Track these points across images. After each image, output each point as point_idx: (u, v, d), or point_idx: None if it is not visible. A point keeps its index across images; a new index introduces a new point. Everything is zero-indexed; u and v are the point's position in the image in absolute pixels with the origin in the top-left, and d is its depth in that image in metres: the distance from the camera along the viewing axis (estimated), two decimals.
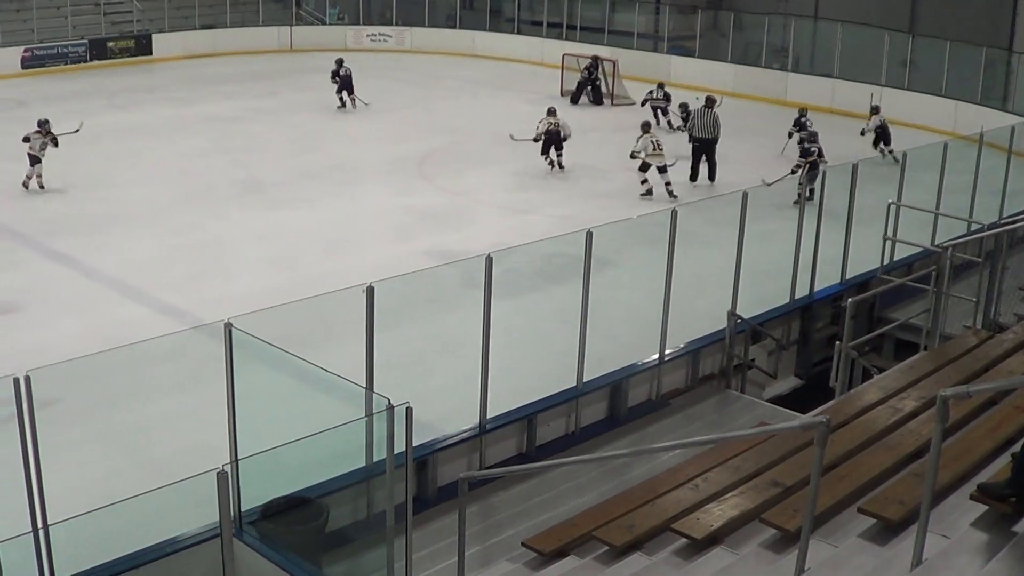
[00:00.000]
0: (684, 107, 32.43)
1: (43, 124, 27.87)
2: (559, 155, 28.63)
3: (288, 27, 50.00)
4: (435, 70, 44.01)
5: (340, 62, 36.52)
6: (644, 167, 26.24)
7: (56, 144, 27.08)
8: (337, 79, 36.37)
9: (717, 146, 27.85)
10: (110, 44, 46.51)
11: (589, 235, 13.47)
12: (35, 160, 27.36)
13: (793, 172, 25.71)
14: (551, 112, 28.96)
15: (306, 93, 39.07)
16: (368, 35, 49.18)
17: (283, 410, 11.92)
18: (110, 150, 30.85)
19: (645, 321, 15.37)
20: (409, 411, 9.13)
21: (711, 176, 27.40)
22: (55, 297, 19.92)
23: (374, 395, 10.30)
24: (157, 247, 22.55)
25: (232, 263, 21.56)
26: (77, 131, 28.27)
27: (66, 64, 44.91)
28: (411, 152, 30.31)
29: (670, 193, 25.78)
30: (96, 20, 47.69)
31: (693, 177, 27.25)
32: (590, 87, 39.19)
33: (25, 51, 43.97)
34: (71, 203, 25.81)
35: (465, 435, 12.98)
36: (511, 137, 29.37)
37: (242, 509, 10.27)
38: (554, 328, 16.27)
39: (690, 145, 28.06)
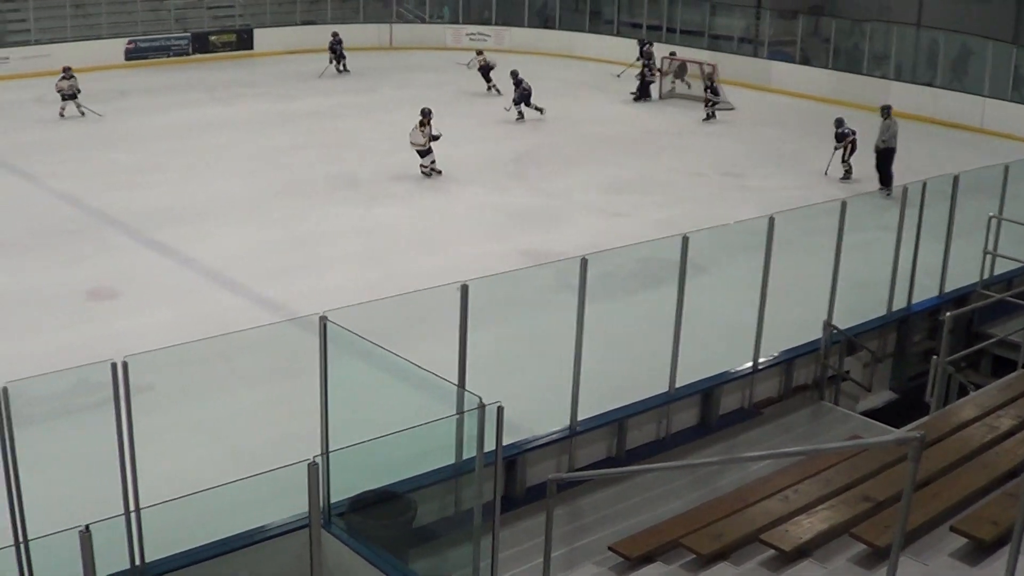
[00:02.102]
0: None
1: (67, 70, 34.23)
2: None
3: (388, 24, 50.18)
4: (532, 70, 43.93)
5: (516, 74, 36.37)
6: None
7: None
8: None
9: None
10: (212, 38, 46.97)
11: (685, 240, 13.40)
12: (69, 97, 33.26)
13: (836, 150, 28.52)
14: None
15: (404, 90, 39.19)
16: (467, 34, 49.20)
17: (374, 404, 11.95)
18: (210, 143, 31.19)
19: (739, 329, 15.25)
20: (500, 410, 9.13)
21: (887, 183, 26.97)
22: (153, 285, 20.18)
23: (466, 393, 10.31)
24: (253, 239, 22.78)
25: (327, 257, 21.69)
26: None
27: (168, 57, 45.39)
28: (507, 152, 30.35)
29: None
30: (199, 14, 48.19)
31: (883, 182, 26.95)
32: (640, 80, 39.09)
33: (129, 43, 44.51)
34: (171, 194, 26.11)
35: (555, 436, 12.96)
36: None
37: (331, 501, 10.33)
38: (647, 332, 16.18)
39: (874, 155, 27.67)
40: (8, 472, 9.47)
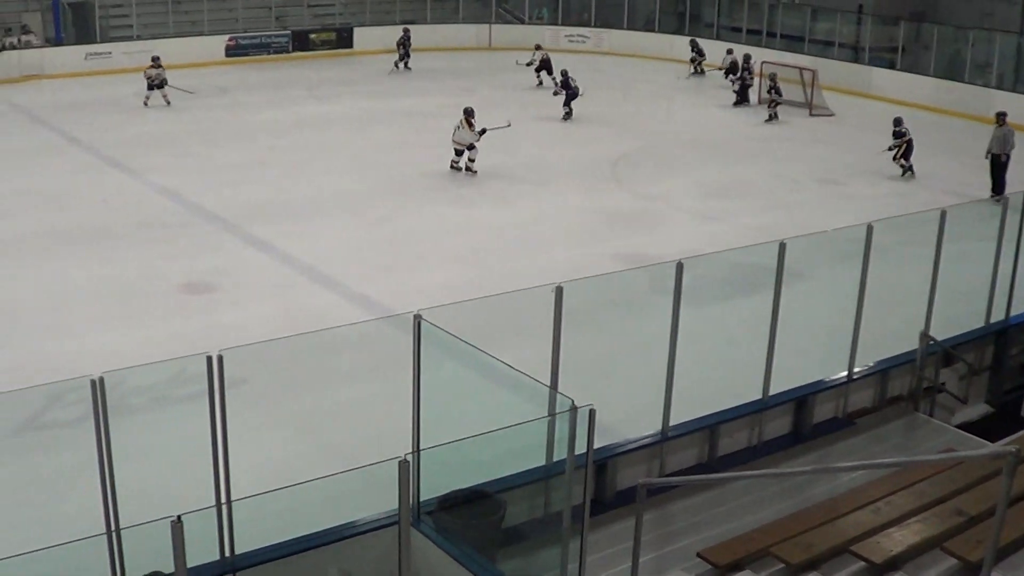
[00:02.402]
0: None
1: (156, 59, 35.59)
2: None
3: (487, 25, 50.32)
4: (631, 73, 43.88)
5: (565, 73, 36.61)
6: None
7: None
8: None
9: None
10: (312, 36, 47.39)
11: (782, 247, 13.30)
12: (156, 86, 34.99)
13: (890, 149, 29.21)
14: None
15: (501, 91, 39.28)
16: (566, 35, 49.20)
17: (465, 404, 11.98)
18: (309, 140, 31.47)
19: (834, 337, 15.10)
20: (592, 413, 9.11)
21: (999, 191, 26.69)
22: (251, 280, 20.40)
23: (558, 395, 10.31)
24: (351, 237, 22.96)
25: (423, 256, 21.78)
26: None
27: (268, 54, 45.86)
28: (604, 154, 30.28)
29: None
30: (299, 12, 48.65)
31: (995, 189, 26.69)
32: (739, 85, 38.92)
33: (230, 40, 45.04)
34: (270, 190, 26.37)
35: (646, 441, 12.92)
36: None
37: (420, 499, 10.36)
38: (741, 338, 16.08)
39: (987, 160, 27.43)
40: (102, 461, 9.58)
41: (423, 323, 10.58)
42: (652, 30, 49.45)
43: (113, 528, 9.72)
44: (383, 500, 10.18)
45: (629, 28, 49.56)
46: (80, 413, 10.36)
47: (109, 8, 44.96)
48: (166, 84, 36.07)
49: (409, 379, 10.89)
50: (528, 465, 11.23)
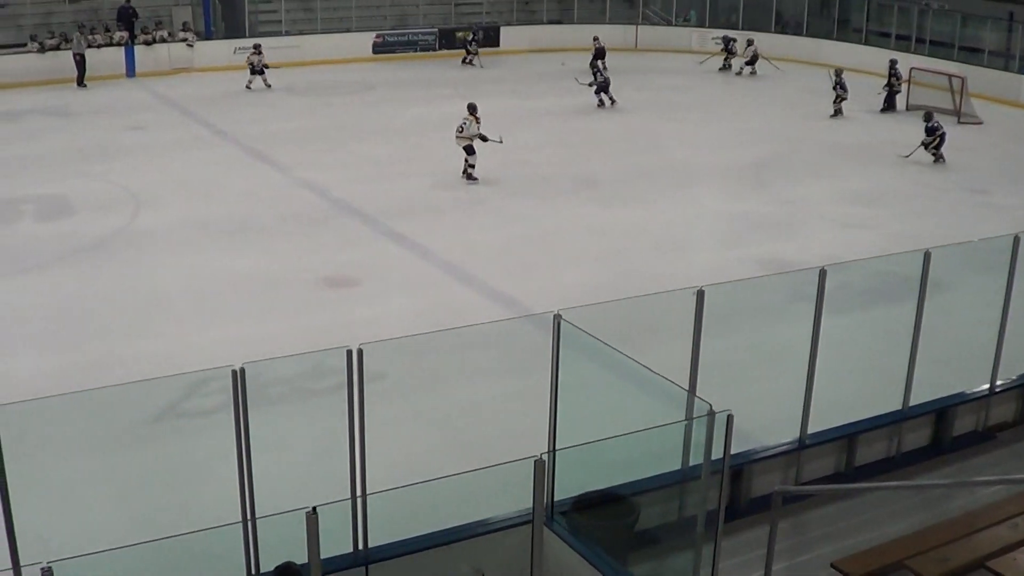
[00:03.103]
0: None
1: (257, 47, 38.04)
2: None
3: (634, 26, 50.16)
4: (777, 76, 43.45)
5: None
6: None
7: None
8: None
9: None
10: (458, 34, 47.57)
11: (927, 256, 13.08)
12: (257, 72, 37.54)
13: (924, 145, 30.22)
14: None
15: (646, 93, 39.18)
16: (713, 38, 48.84)
17: (602, 404, 11.95)
18: (451, 138, 31.60)
19: (976, 349, 14.82)
20: (730, 418, 9.04)
21: None
22: (391, 275, 20.59)
23: (696, 399, 10.24)
24: (492, 235, 23.05)
25: (563, 256, 21.80)
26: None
27: (415, 52, 46.16)
28: (747, 158, 30.04)
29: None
30: (446, 11, 48.94)
31: None
32: (887, 91, 38.32)
33: (377, 37, 45.40)
34: (414, 187, 26.59)
35: (783, 448, 12.79)
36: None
37: (555, 499, 10.36)
38: (881, 348, 15.86)
39: None
40: (240, 450, 9.71)
41: (563, 323, 10.58)
42: (800, 34, 48.85)
43: (249, 517, 9.85)
44: (516, 498, 10.19)
45: (776, 31, 49.03)
46: (220, 402, 10.51)
47: (259, 3, 45.66)
48: (266, 70, 38.62)
49: (545, 378, 10.89)
50: (663, 469, 11.17)
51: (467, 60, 45.19)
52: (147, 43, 42.52)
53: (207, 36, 44.45)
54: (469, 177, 27.31)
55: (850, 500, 12.51)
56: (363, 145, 30.85)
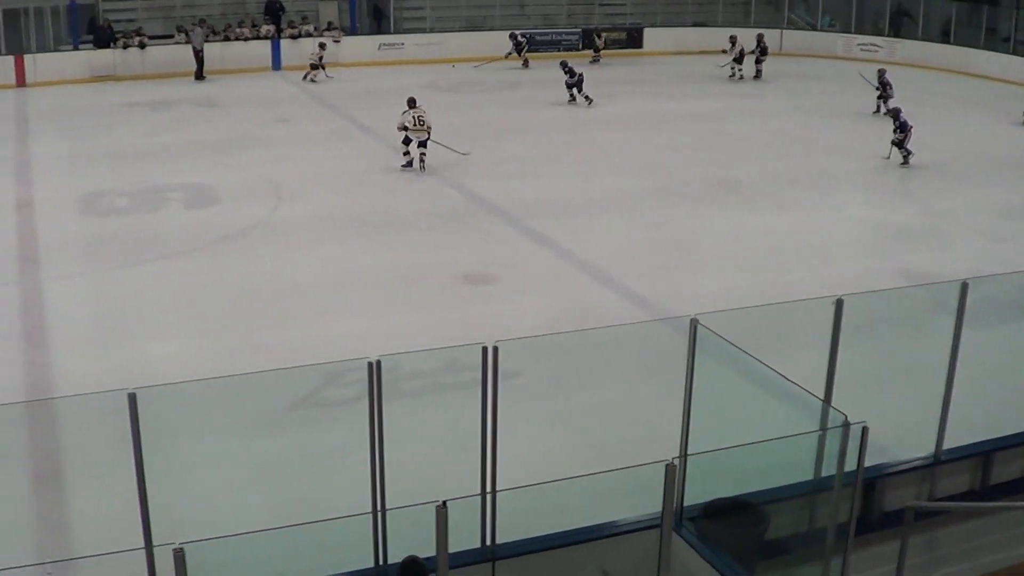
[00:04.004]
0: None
1: (323, 46, 41.01)
2: None
3: (779, 30, 49.72)
4: (923, 84, 42.78)
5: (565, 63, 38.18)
6: (406, 140, 27.81)
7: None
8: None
9: None
10: (603, 35, 47.54)
11: None
12: (316, 67, 40.23)
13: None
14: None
15: (792, 99, 38.85)
16: (858, 44, 48.19)
17: (735, 411, 11.86)
18: (595, 138, 31.71)
19: None
20: (865, 430, 8.93)
21: None
22: (529, 274, 20.63)
23: (831, 410, 10.12)
24: (630, 236, 22.98)
25: (701, 260, 21.67)
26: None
27: (558, 51, 46.18)
28: (890, 166, 29.60)
29: (422, 165, 27.77)
30: (591, 11, 48.96)
31: None
32: None
33: (521, 35, 45.54)
34: (553, 186, 26.63)
35: (917, 463, 12.59)
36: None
37: (684, 504, 10.31)
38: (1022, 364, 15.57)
39: None
40: (373, 441, 9.79)
41: (699, 327, 10.52)
42: (947, 42, 47.96)
43: (379, 508, 9.93)
44: (645, 502, 10.16)
45: (923, 39, 48.20)
46: (355, 393, 10.61)
47: (404, 1, 46.08)
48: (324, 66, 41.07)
49: (678, 382, 10.84)
50: (795, 478, 11.06)
51: (594, 60, 45.56)
52: (293, 37, 43.14)
53: (352, 32, 44.95)
54: (422, 165, 27.98)
55: (984, 519, 12.30)
56: (505, 143, 30.98)
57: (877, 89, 36.03)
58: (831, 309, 11.21)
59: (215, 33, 42.59)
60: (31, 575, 10.54)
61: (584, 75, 37.38)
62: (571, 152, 29.94)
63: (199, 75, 40.73)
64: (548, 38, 46.58)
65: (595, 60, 45.50)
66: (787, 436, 9.73)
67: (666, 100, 38.36)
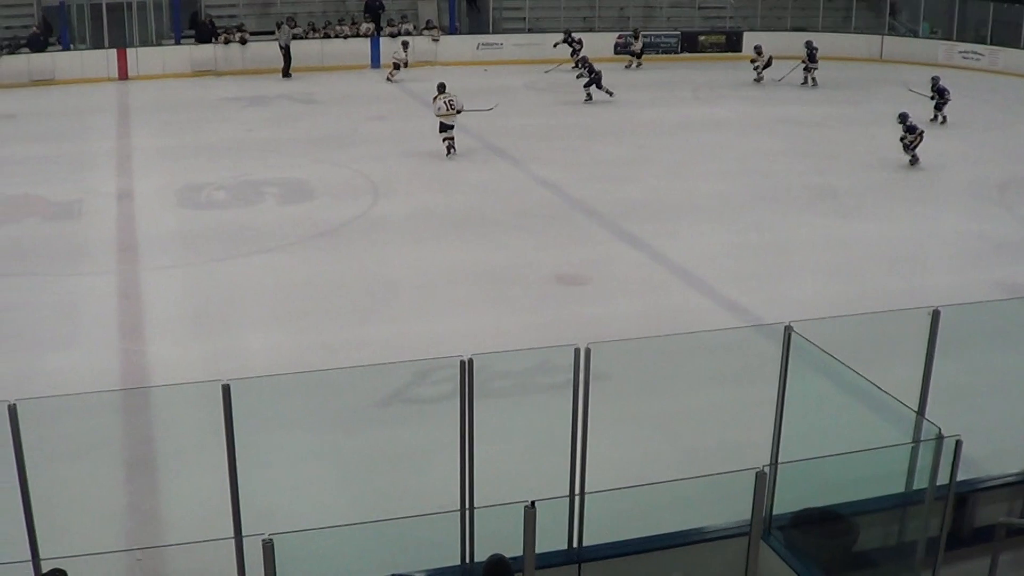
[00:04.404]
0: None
1: (406, 45, 41.35)
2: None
3: (880, 36, 49.26)
4: (1018, 94, 42.16)
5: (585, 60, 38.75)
6: (442, 127, 28.95)
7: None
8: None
9: None
10: (701, 38, 47.51)
11: None
12: (403, 65, 40.95)
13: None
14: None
15: (891, 105, 38.37)
16: (960, 52, 47.62)
17: (826, 420, 11.79)
18: (690, 142, 31.58)
19: None
20: (959, 443, 8.84)
21: None
22: (621, 276, 20.61)
23: (925, 422, 10.02)
24: (725, 241, 22.86)
25: (796, 267, 21.52)
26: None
27: (657, 53, 46.17)
28: (991, 177, 29.20)
29: (451, 150, 29.01)
30: (690, 14, 48.89)
31: None
32: None
33: (619, 37, 45.59)
34: (648, 189, 26.62)
35: (1011, 479, 12.43)
36: None
37: (773, 513, 10.25)
38: None
39: None
40: (464, 440, 9.82)
41: (793, 335, 10.46)
42: None
43: (467, 506, 9.96)
44: (733, 509, 10.11)
45: None
46: (445, 392, 10.68)
47: (503, 0, 46.19)
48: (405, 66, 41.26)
49: (770, 390, 10.78)
50: (886, 490, 10.96)
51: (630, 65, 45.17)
52: (392, 35, 43.38)
53: (451, 31, 45.15)
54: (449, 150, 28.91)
55: None
56: (600, 145, 30.99)
57: (932, 97, 35.40)
58: (927, 320, 11.09)
59: (315, 31, 42.98)
60: (122, 560, 10.72)
61: (602, 72, 37.99)
62: (666, 155, 29.88)
63: (286, 72, 41.12)
64: (647, 40, 46.44)
65: (631, 65, 45.14)
66: (879, 447, 9.65)
67: (762, 104, 38.17)
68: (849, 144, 32.42)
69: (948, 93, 35.25)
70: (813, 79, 41.83)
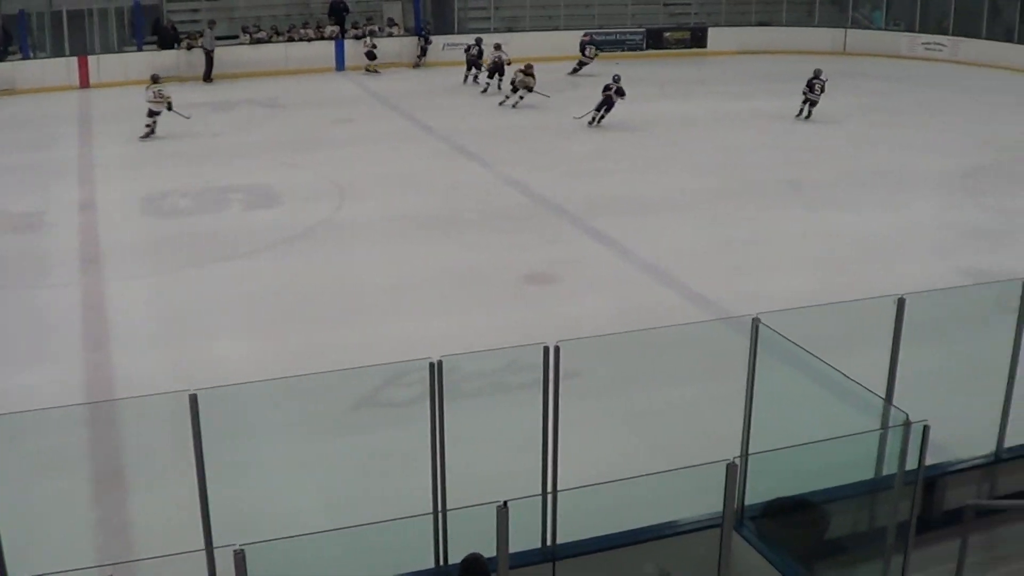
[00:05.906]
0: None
1: (373, 33, 42.75)
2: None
3: (843, 30, 49.46)
4: (986, 84, 42.39)
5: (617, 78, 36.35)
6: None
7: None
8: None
9: None
10: (666, 35, 47.62)
11: None
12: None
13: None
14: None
15: (856, 98, 38.60)
16: (923, 43, 47.83)
17: (795, 410, 11.83)
18: (658, 138, 31.63)
19: None
20: (926, 429, 8.90)
21: None
22: (591, 274, 20.63)
23: (892, 408, 10.08)
24: (694, 236, 22.93)
25: (765, 260, 21.56)
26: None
27: (622, 51, 46.25)
28: (956, 166, 29.35)
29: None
30: (655, 11, 49.00)
31: None
32: None
33: (584, 35, 45.52)
34: (617, 186, 26.65)
35: (978, 462, 12.51)
36: None
37: (745, 504, 10.30)
38: None
39: None
40: (435, 442, 9.83)
41: (760, 327, 10.50)
42: (1012, 40, 47.35)
43: (440, 508, 9.97)
44: (705, 501, 10.15)
45: (988, 38, 47.65)
46: (415, 394, 10.65)
47: (468, 0, 46.20)
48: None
49: (739, 382, 10.83)
50: (855, 477, 11.02)
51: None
52: (357, 37, 43.36)
53: (416, 32, 45.10)
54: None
55: None
56: (567, 143, 31.03)
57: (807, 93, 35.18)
58: (893, 308, 11.16)
59: (279, 34, 42.91)
60: None
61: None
62: (633, 151, 29.98)
63: (207, 77, 40.93)
64: (612, 38, 46.53)
65: (576, 70, 43.66)
66: (848, 435, 9.70)
67: (730, 99, 38.28)
68: (818, 137, 32.57)
69: (818, 88, 34.87)
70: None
